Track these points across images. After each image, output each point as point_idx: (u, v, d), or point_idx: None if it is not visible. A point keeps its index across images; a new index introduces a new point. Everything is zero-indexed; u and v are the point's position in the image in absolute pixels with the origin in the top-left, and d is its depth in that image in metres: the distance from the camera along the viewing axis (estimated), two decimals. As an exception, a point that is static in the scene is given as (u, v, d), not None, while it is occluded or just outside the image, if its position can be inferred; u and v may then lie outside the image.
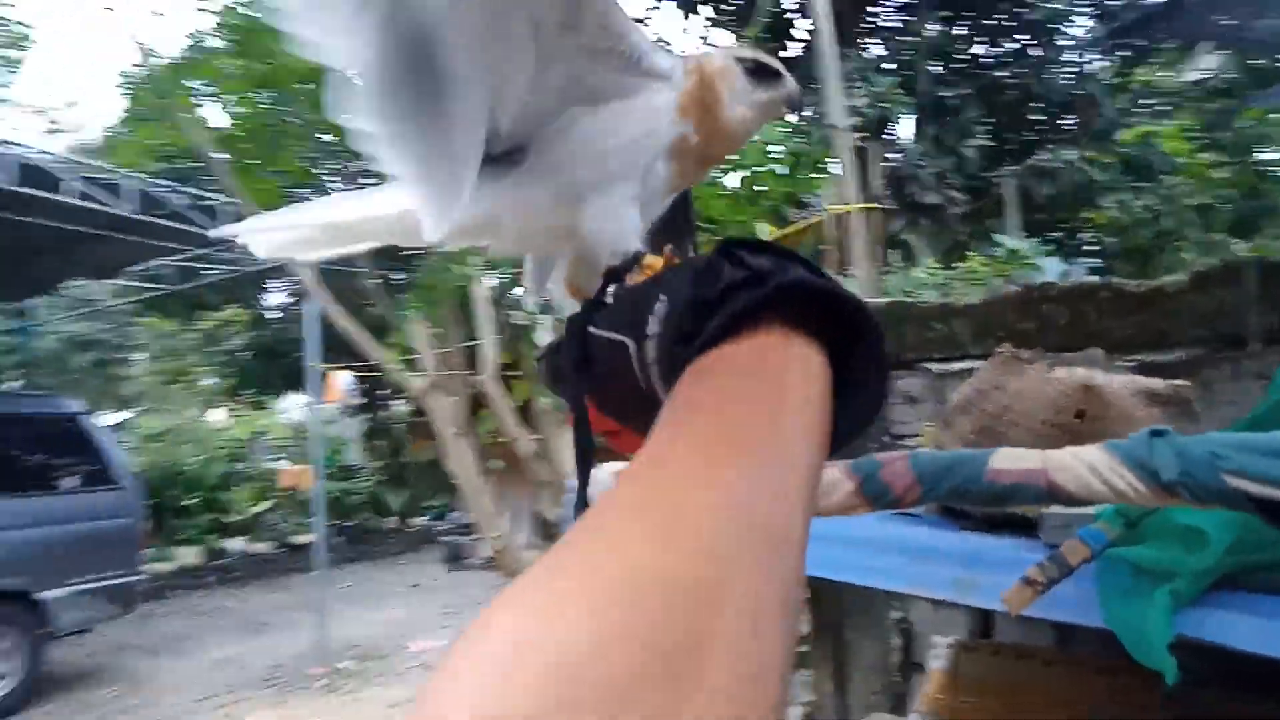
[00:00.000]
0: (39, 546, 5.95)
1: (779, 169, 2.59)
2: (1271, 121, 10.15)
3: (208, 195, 6.91)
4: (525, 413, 8.88)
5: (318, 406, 7.74)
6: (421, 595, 9.35)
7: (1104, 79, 10.66)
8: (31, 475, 6.37)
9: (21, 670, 5.83)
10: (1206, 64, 11.28)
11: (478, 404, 9.24)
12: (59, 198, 5.84)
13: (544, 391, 7.57)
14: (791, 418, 0.37)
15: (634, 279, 0.58)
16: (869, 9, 11.25)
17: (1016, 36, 11.14)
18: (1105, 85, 10.52)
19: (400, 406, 17.36)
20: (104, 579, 6.32)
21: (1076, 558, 1.14)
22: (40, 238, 6.41)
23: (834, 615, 1.71)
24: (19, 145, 5.99)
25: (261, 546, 11.58)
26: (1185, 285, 2.12)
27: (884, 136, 9.49)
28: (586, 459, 0.55)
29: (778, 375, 0.38)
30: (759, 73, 0.65)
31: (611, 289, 0.58)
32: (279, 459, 13.77)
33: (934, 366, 2.51)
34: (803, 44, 10.75)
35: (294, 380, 16.80)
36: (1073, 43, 11.03)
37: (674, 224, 0.73)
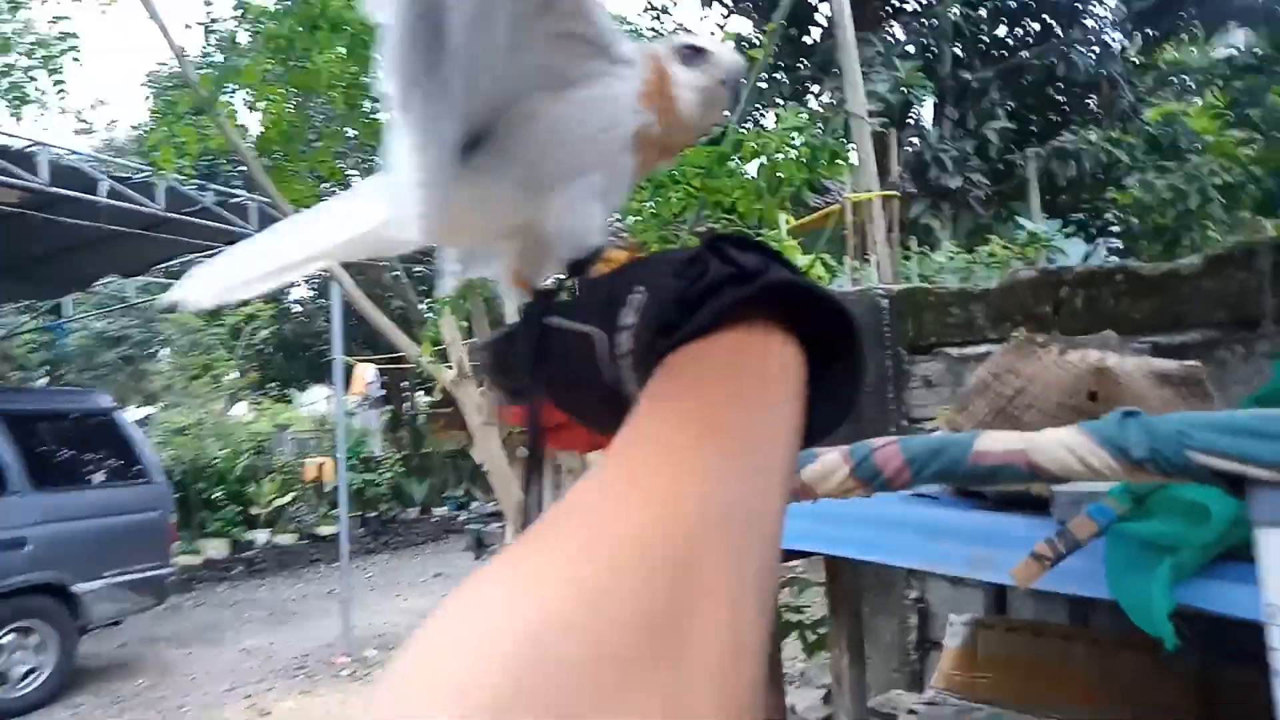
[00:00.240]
0: (73, 540, 6.07)
1: (799, 156, 2.60)
2: (1302, 98, 9.99)
3: (235, 193, 7.02)
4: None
5: (342, 399, 7.83)
6: (444, 584, 9.45)
7: (1129, 58, 10.55)
8: (66, 470, 6.50)
9: (56, 662, 5.96)
10: (1234, 40, 11.12)
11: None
12: (92, 197, 5.95)
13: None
14: (770, 410, 0.37)
15: (596, 271, 0.58)
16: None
17: (1040, 17, 11.05)
18: (1130, 65, 10.41)
19: (421, 398, 17.54)
20: (136, 572, 6.43)
21: (1085, 533, 1.17)
22: (74, 237, 6.54)
23: (853, 595, 1.74)
24: (52, 146, 6.10)
25: (286, 538, 11.74)
26: (1200, 268, 2.12)
27: (905, 121, 9.45)
28: (539, 454, 0.54)
29: (757, 369, 0.38)
30: (697, 56, 0.63)
31: (571, 280, 0.57)
32: (304, 453, 13.94)
33: (952, 351, 2.52)
34: (821, 30, 10.71)
35: (317, 373, 17.03)
36: (1097, 23, 10.92)
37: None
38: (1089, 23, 10.85)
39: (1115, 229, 10.50)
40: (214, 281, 0.53)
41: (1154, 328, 2.15)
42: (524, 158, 0.58)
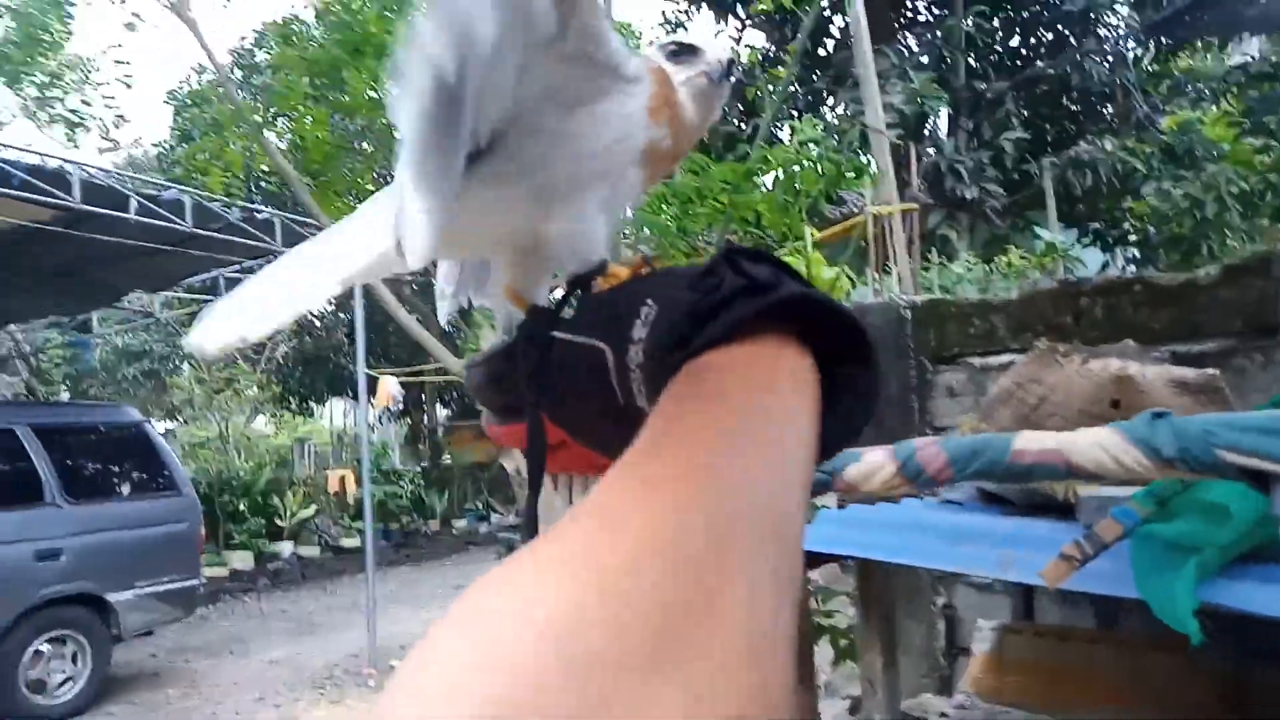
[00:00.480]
0: (106, 552, 6.18)
1: (815, 168, 2.65)
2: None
3: (260, 209, 7.15)
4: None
5: (366, 411, 7.92)
6: (467, 596, 9.52)
7: (1143, 67, 10.57)
8: (97, 483, 6.63)
9: (90, 671, 6.07)
10: (1249, 48, 11.13)
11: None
12: (122, 214, 6.09)
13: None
14: (785, 420, 0.37)
15: (599, 286, 0.57)
16: (904, 3, 11.26)
17: (1054, 27, 11.09)
18: (1144, 73, 10.43)
19: (440, 411, 17.67)
20: (166, 582, 6.53)
21: (1111, 535, 1.23)
22: (104, 253, 6.68)
23: (884, 599, 1.80)
24: (85, 165, 6.25)
25: (309, 550, 11.84)
26: (1217, 278, 2.17)
27: (920, 132, 9.50)
28: (540, 472, 0.53)
29: (771, 381, 0.38)
30: (686, 54, 0.63)
31: (574, 295, 0.57)
32: (323, 466, 14.07)
33: (974, 361, 2.58)
34: (835, 41, 10.78)
35: (336, 387, 17.21)
36: (1110, 32, 10.95)
37: None
38: (1103, 32, 10.89)
39: (1132, 238, 10.50)
40: (230, 324, 0.51)
41: (1173, 337, 2.20)
42: (533, 168, 0.57)
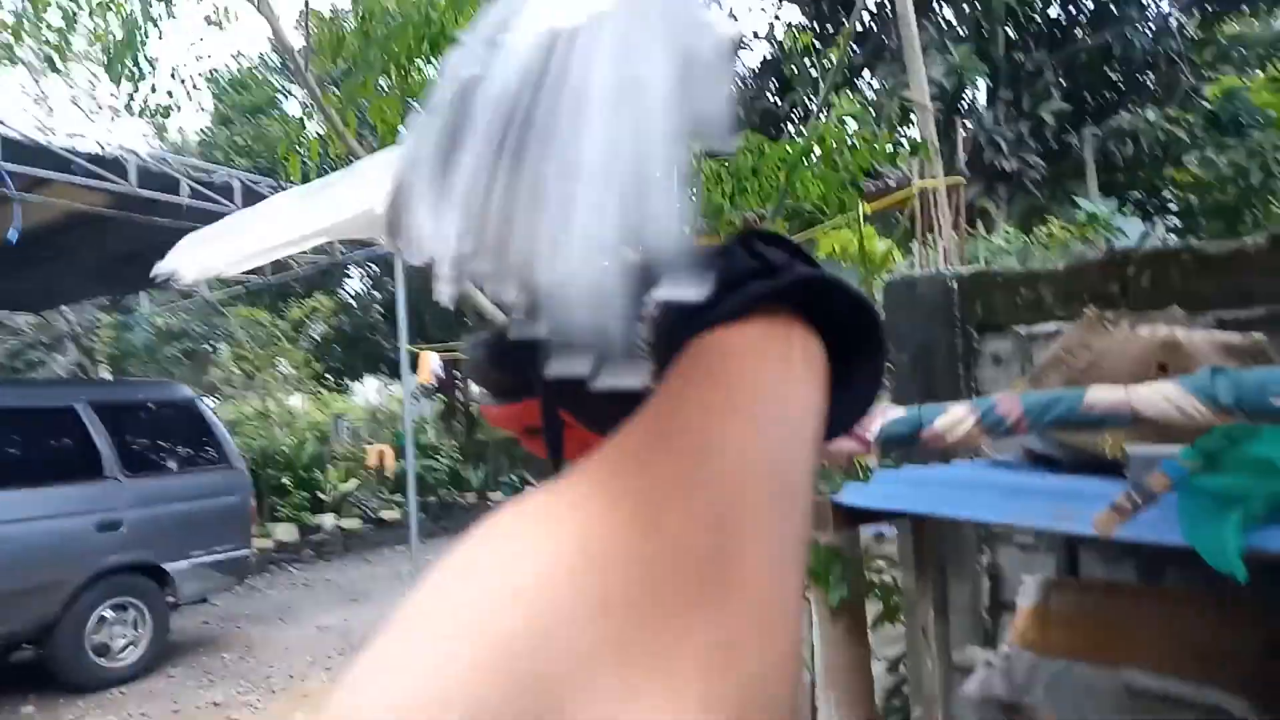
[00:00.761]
0: (162, 523, 6.42)
1: (870, 146, 2.67)
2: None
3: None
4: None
5: (410, 387, 8.08)
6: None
7: (1187, 35, 10.39)
8: (153, 457, 6.87)
9: (151, 636, 6.33)
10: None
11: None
12: (174, 198, 6.27)
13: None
14: (796, 395, 0.37)
15: None
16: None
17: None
18: (1188, 41, 10.26)
19: (475, 386, 17.87)
20: (220, 552, 6.78)
21: (1160, 487, 1.30)
22: (156, 236, 6.88)
23: (937, 554, 1.89)
24: (136, 152, 6.44)
25: (351, 523, 12.11)
26: (1265, 245, 2.21)
27: (959, 105, 9.43)
28: (560, 451, 0.52)
29: (782, 357, 0.38)
30: None
31: None
32: (359, 441, 14.35)
33: (1021, 329, 2.64)
34: (871, 14, 10.70)
35: (372, 364, 17.50)
36: (1154, 0, 10.77)
37: None
38: (1145, 0, 10.70)
39: (1174, 207, 10.37)
40: (203, 256, 0.49)
41: (1220, 304, 2.24)
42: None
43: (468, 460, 15.02)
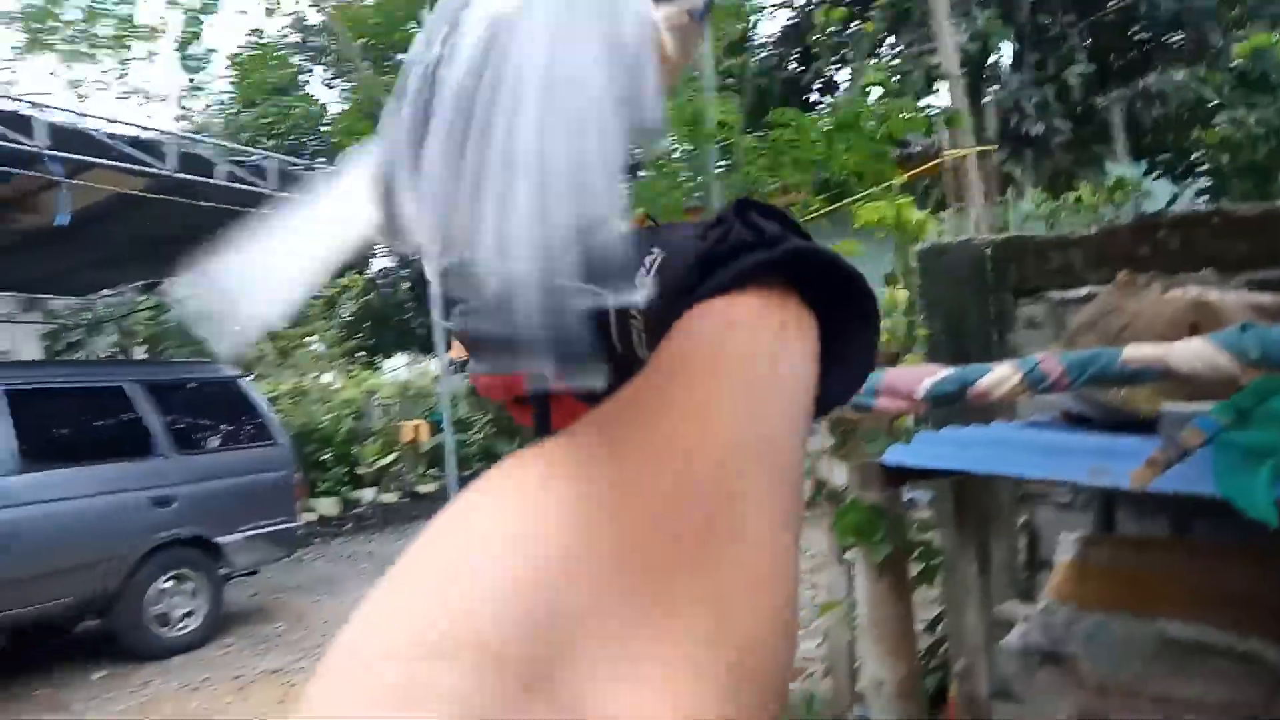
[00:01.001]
0: (213, 497, 6.62)
1: (888, 114, 2.71)
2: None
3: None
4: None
5: (446, 362, 8.23)
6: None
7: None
8: (201, 434, 7.09)
9: (207, 607, 6.57)
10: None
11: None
12: (211, 180, 6.41)
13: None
14: (789, 365, 0.37)
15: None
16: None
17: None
18: (1216, -2, 10.10)
19: (504, 361, 17.97)
20: (268, 526, 6.99)
21: (1194, 441, 1.39)
22: (196, 219, 7.04)
23: (978, 510, 1.99)
24: (176, 135, 6.58)
25: (390, 497, 12.36)
26: (1295, 207, 2.28)
27: (984, 70, 9.37)
28: (546, 420, 0.51)
29: (776, 327, 0.37)
30: None
31: None
32: (391, 417, 14.57)
33: (1054, 294, 2.72)
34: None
35: (403, 341, 17.71)
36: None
37: None
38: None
39: (1203, 168, 10.26)
40: (250, 316, 0.46)
41: (1250, 265, 2.31)
42: None
43: (500, 434, 15.22)
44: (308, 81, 17.89)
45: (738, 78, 6.08)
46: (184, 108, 13.74)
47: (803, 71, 11.69)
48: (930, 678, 3.03)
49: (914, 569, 3.10)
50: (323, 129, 16.83)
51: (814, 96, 12.26)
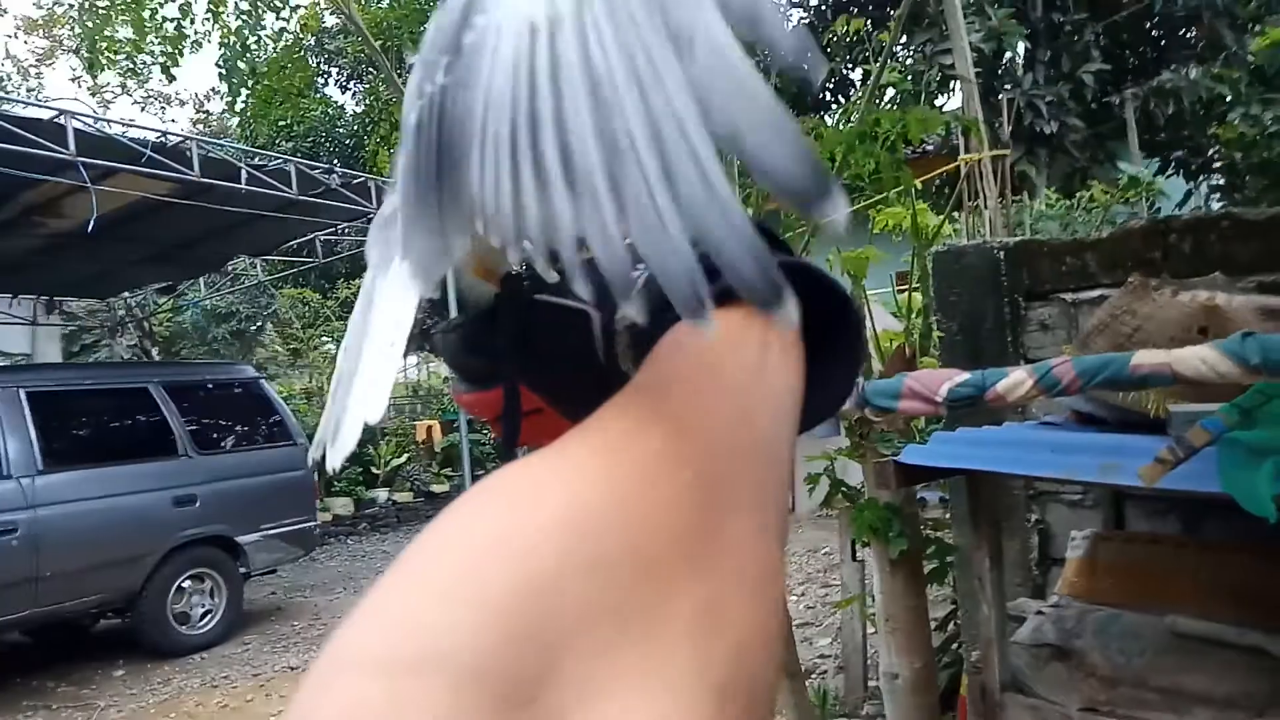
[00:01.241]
0: (233, 497, 6.71)
1: (920, 123, 2.74)
2: None
3: (358, 174, 7.53)
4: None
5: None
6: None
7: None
8: (222, 435, 7.19)
9: (226, 605, 6.67)
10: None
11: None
12: (234, 185, 6.51)
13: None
14: (777, 376, 0.37)
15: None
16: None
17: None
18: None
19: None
20: (287, 525, 7.08)
21: (1200, 441, 1.44)
22: (216, 222, 7.15)
23: (992, 507, 2.03)
24: (198, 140, 6.68)
25: (403, 496, 12.46)
26: (1303, 211, 2.32)
27: (997, 69, 9.36)
28: (514, 440, 0.51)
29: (762, 341, 0.37)
30: None
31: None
32: (402, 417, 14.68)
33: (1067, 297, 2.77)
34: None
35: (414, 342, 17.78)
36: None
37: None
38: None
39: (1218, 165, 10.23)
40: (352, 426, 0.46)
41: (1260, 268, 2.35)
42: None
43: (513, 434, 15.30)
44: (325, 84, 18.03)
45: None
46: (204, 111, 13.91)
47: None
48: (943, 674, 3.08)
49: (926, 568, 3.15)
50: (338, 131, 16.98)
51: (827, 95, 12.30)
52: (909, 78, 7.91)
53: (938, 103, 8.76)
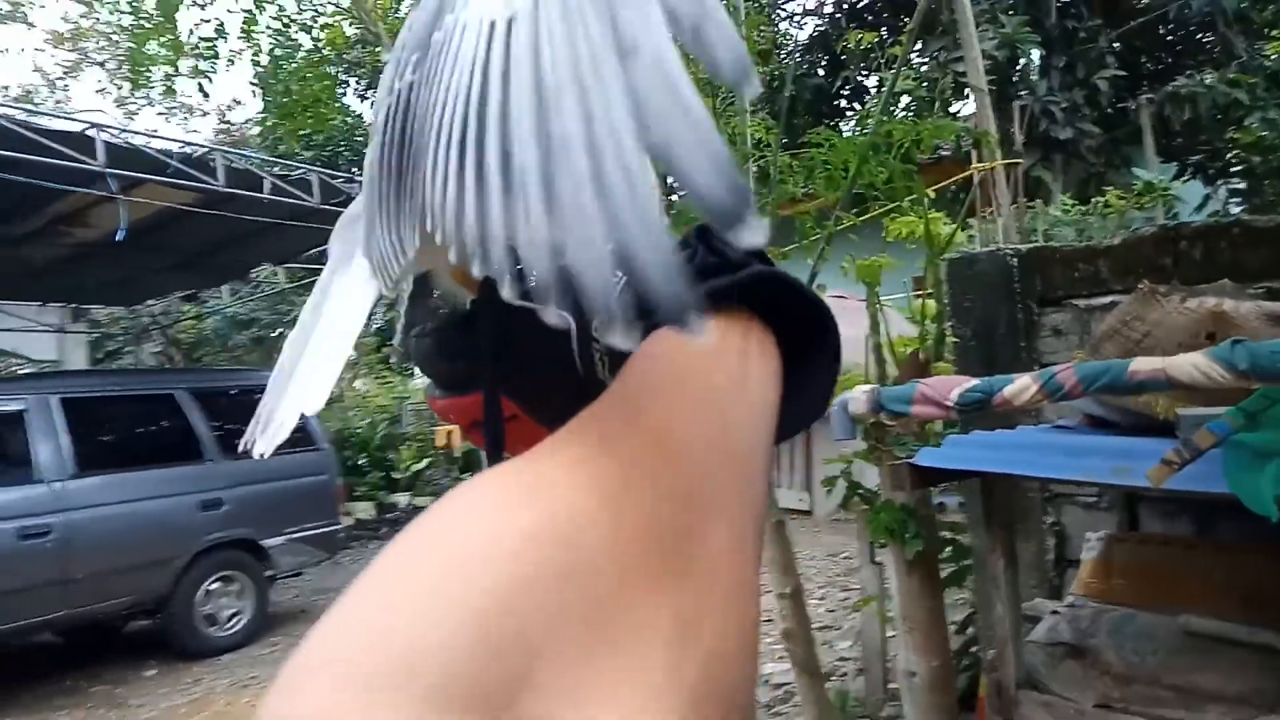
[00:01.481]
0: (259, 501, 6.82)
1: (932, 131, 2.78)
2: None
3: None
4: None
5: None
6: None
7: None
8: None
9: (253, 608, 6.78)
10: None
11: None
12: (258, 195, 6.63)
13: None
14: (755, 387, 0.37)
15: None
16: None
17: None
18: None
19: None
20: (312, 528, 7.18)
21: (1206, 443, 1.49)
22: (240, 232, 7.26)
23: (1006, 509, 2.09)
24: (223, 150, 6.81)
25: (424, 500, 12.57)
26: (1312, 219, 2.37)
27: (1012, 75, 9.40)
28: (498, 448, 0.50)
29: (740, 351, 0.37)
30: None
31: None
32: (421, 423, 14.80)
33: (1079, 302, 2.82)
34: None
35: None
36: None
37: None
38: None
39: (1235, 169, 10.21)
40: (286, 411, 0.49)
41: (1269, 275, 2.40)
42: None
43: (530, 438, 15.39)
44: (344, 93, 18.19)
45: (769, 88, 6.16)
46: (226, 122, 14.10)
47: (831, 80, 11.78)
48: (961, 676, 3.13)
49: (944, 570, 3.20)
50: (358, 139, 17.13)
51: (842, 103, 12.35)
52: (924, 84, 7.96)
53: (952, 109, 8.82)
